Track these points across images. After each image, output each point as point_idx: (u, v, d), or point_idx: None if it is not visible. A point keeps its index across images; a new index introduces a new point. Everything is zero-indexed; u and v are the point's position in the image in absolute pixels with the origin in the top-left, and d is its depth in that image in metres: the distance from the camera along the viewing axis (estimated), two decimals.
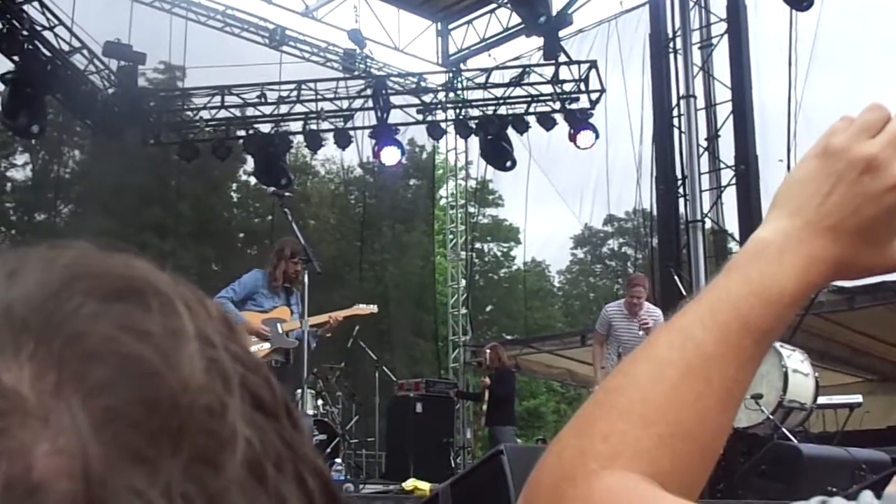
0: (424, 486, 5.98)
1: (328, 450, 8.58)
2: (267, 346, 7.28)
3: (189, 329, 0.34)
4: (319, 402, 9.84)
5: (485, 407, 10.71)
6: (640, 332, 8.41)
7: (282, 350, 7.37)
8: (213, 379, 0.33)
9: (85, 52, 12.19)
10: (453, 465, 10.56)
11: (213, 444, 0.31)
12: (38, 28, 11.27)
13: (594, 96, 12.77)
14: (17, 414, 0.30)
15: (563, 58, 12.83)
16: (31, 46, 11.03)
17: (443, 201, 21.08)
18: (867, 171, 0.73)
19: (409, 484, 6.13)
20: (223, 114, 13.06)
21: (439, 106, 13.52)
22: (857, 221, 0.73)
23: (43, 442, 0.29)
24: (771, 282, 0.71)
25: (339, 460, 7.19)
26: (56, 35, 11.63)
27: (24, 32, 10.89)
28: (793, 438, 7.18)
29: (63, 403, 0.30)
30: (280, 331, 7.36)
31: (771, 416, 7.26)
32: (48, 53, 11.43)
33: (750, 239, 0.75)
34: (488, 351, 11.08)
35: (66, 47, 11.84)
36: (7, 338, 0.31)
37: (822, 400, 8.22)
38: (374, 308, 8.05)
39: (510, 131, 12.82)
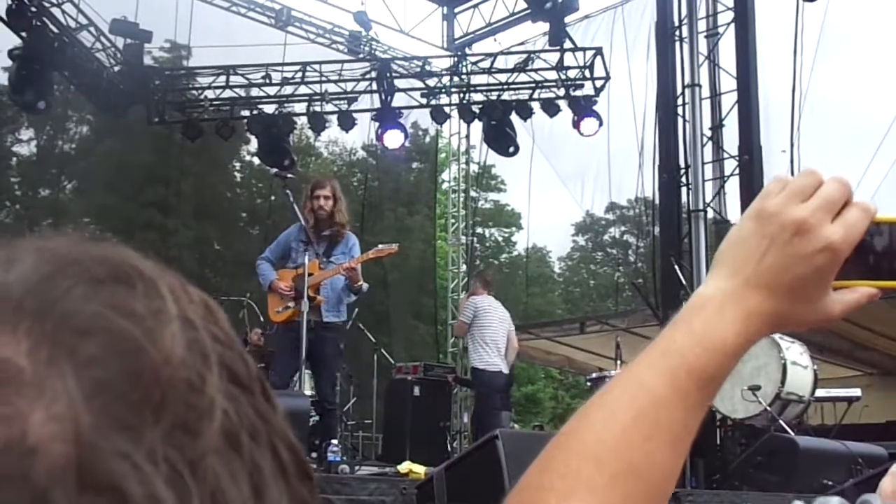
0: (419, 469, 6.00)
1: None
2: (292, 305, 6.99)
3: (172, 310, 0.37)
4: None
5: None
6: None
7: (311, 309, 6.92)
8: (193, 355, 0.36)
9: (92, 29, 12.17)
10: (449, 448, 10.62)
11: (192, 414, 0.34)
12: (46, 4, 11.26)
13: (599, 83, 12.74)
14: (14, 384, 0.32)
15: (568, 44, 12.79)
16: (38, 23, 11.03)
17: (445, 185, 21.06)
18: (798, 233, 0.79)
19: (405, 466, 6.15)
20: (227, 93, 13.05)
21: (443, 90, 13.50)
22: (789, 280, 0.79)
23: (38, 409, 0.32)
24: (713, 333, 0.78)
25: (335, 441, 7.15)
26: (64, 12, 11.62)
27: (33, 9, 10.89)
28: (790, 431, 7.19)
29: (56, 374, 0.33)
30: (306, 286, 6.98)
31: (768, 408, 7.28)
32: (56, 30, 11.43)
33: (693, 294, 0.82)
34: None
35: (73, 24, 11.83)
36: (4, 316, 0.34)
37: (820, 393, 8.24)
38: (394, 247, 7.44)
39: (513, 117, 12.81)
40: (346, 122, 12.81)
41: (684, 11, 11.27)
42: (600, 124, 12.50)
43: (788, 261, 0.78)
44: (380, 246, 7.39)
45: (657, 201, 11.83)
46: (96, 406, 0.33)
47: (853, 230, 0.79)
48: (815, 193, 0.80)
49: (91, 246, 0.38)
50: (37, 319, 0.34)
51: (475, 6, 16.23)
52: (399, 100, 12.98)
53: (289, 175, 7.60)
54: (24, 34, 11.05)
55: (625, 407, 0.74)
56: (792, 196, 0.80)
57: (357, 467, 7.00)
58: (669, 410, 0.74)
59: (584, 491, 0.71)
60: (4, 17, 10.68)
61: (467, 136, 17.51)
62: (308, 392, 8.94)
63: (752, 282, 0.79)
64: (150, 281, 0.37)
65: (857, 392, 9.35)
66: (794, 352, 7.67)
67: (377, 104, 12.95)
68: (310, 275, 6.88)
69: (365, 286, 7.16)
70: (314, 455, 7.46)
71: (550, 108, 12.63)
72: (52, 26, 11.35)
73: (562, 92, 12.79)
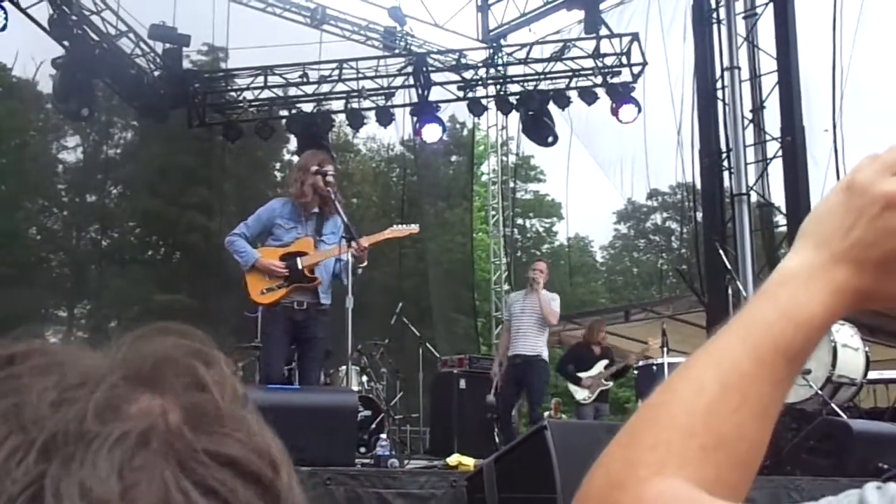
0: (469, 461, 6.00)
1: (373, 426, 8.66)
2: (285, 285, 6.48)
3: (226, 370, 0.56)
4: (364, 378, 9.91)
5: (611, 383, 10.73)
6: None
7: (304, 290, 6.55)
8: (237, 393, 0.55)
9: (131, 35, 12.34)
10: (497, 440, 10.61)
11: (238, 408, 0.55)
12: (87, 13, 11.45)
13: (636, 69, 12.65)
14: (143, 396, 0.50)
15: (604, 31, 12.72)
16: (79, 31, 11.22)
17: (484, 177, 21.06)
18: (888, 207, 0.76)
19: (454, 459, 6.15)
20: (266, 94, 13.15)
21: (480, 82, 13.48)
22: (878, 254, 0.77)
23: (160, 404, 0.50)
24: (800, 308, 0.76)
25: (383, 436, 7.13)
26: (103, 19, 11.81)
27: (73, 17, 11.07)
28: (842, 414, 7.11)
29: (164, 392, 0.52)
30: (299, 266, 6.51)
31: (820, 392, 7.20)
32: (96, 38, 11.61)
33: (777, 269, 0.80)
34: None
35: (112, 31, 12.01)
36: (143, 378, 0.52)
37: (872, 375, 8.13)
38: (414, 228, 7.22)
39: (551, 106, 12.77)
40: (384, 117, 12.86)
41: None
42: (639, 111, 12.42)
43: (877, 235, 0.77)
44: (396, 226, 7.09)
45: (699, 186, 11.74)
46: (192, 400, 0.52)
47: None
48: None
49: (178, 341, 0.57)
50: (158, 378, 0.53)
51: None
52: (436, 94, 13.00)
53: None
54: (65, 43, 11.23)
55: (711, 380, 0.74)
56: (883, 169, 0.78)
57: (406, 461, 7.03)
58: (757, 385, 0.74)
59: (676, 463, 0.70)
60: (47, 26, 10.87)
61: (505, 128, 17.50)
62: (355, 387, 9.01)
63: (838, 256, 0.77)
64: (218, 359, 0.56)
65: None
66: (845, 334, 7.58)
67: (414, 99, 12.98)
68: (304, 254, 6.55)
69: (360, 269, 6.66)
70: (363, 450, 7.52)
71: (588, 96, 12.57)
72: (92, 34, 11.53)
73: (599, 79, 12.73)
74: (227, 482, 0.49)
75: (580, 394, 10.59)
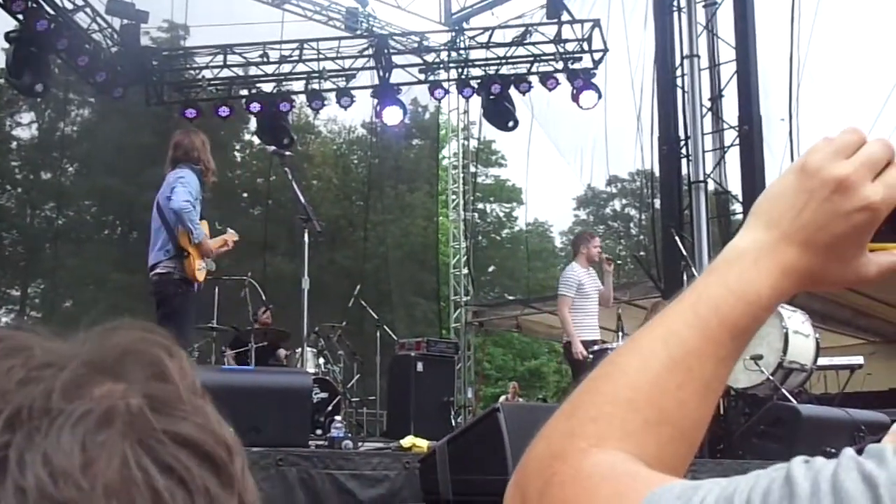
0: (423, 443, 6.03)
1: (329, 408, 8.64)
2: (205, 266, 6.57)
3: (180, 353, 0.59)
4: (321, 360, 9.89)
5: None
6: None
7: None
8: (192, 378, 0.58)
9: (88, 10, 12.09)
10: (454, 423, 10.64)
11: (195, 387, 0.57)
12: None
13: (597, 56, 12.69)
14: (107, 381, 0.52)
15: (565, 16, 12.73)
16: (34, 4, 10.94)
17: (445, 161, 21.04)
18: (838, 190, 0.77)
19: (408, 441, 6.17)
20: (226, 73, 13.01)
21: (441, 65, 13.45)
22: (826, 237, 0.78)
23: (123, 389, 0.52)
24: (748, 286, 0.77)
25: (339, 418, 7.14)
26: None
27: None
28: (792, 399, 7.21)
29: (128, 379, 0.54)
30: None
31: (771, 377, 7.28)
32: (51, 12, 11.34)
33: (727, 246, 0.80)
34: None
35: (69, 5, 11.75)
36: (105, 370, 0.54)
37: (822, 361, 8.24)
38: (234, 235, 7.09)
39: (512, 91, 12.77)
40: (345, 99, 12.78)
41: None
42: (599, 97, 12.46)
43: (826, 218, 0.77)
44: (231, 231, 7.07)
45: (657, 173, 11.82)
46: (153, 388, 0.54)
47: (894, 191, 0.77)
48: (858, 151, 0.78)
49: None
50: (110, 363, 0.54)
51: None
52: (397, 76, 12.94)
53: (287, 153, 7.51)
54: (20, 16, 10.96)
55: (657, 355, 0.74)
56: (835, 152, 0.78)
57: (361, 443, 7.03)
58: (702, 361, 0.74)
59: (617, 436, 0.71)
60: None
61: (466, 112, 17.48)
62: (311, 369, 8.98)
63: (788, 237, 0.78)
64: (180, 353, 0.59)
65: (859, 360, 9.36)
66: (796, 321, 7.67)
67: (375, 81, 12.91)
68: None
69: None
70: (319, 432, 7.50)
71: (549, 81, 12.60)
72: (47, 8, 11.25)
73: (560, 65, 12.75)
74: (183, 461, 0.51)
75: None
